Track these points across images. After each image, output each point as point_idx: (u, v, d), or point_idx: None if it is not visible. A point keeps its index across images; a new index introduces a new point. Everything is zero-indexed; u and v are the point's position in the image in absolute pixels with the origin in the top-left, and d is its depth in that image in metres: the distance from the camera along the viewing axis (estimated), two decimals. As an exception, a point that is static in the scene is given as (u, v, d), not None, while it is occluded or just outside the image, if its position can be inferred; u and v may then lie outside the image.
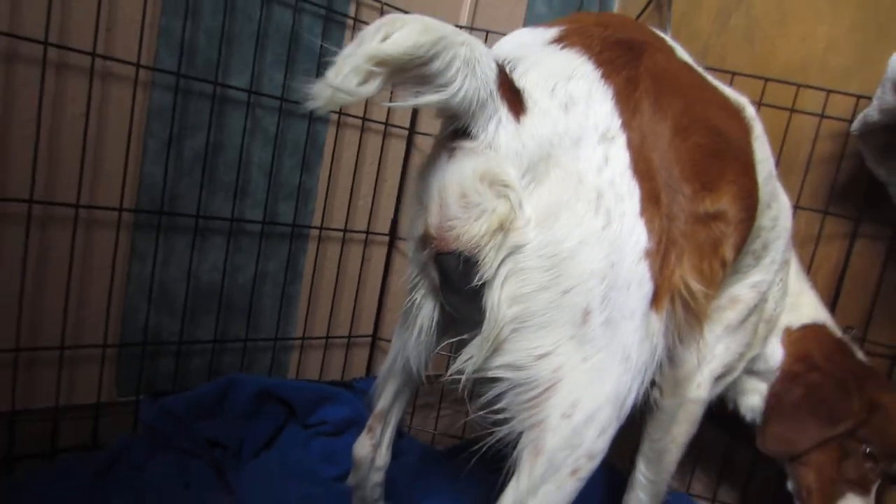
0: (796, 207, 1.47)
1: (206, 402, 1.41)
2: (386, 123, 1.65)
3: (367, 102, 1.60)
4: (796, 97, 1.57)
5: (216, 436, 1.40)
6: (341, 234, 1.65)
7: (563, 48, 0.87)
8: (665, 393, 1.16)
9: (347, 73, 0.68)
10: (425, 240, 0.86)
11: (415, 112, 1.68)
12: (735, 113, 1.05)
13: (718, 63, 1.73)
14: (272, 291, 1.57)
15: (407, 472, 1.47)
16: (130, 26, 1.24)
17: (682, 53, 1.03)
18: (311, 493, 1.34)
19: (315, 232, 1.60)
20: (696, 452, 1.49)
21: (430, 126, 1.71)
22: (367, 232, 1.69)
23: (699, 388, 1.16)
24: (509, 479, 0.82)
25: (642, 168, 0.83)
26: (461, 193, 0.80)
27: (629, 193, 0.81)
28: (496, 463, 0.84)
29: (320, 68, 1.50)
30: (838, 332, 1.36)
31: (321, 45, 1.49)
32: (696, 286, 0.86)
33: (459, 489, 1.40)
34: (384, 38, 0.68)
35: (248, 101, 1.42)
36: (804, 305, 1.35)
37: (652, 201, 0.82)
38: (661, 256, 0.83)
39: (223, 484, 1.30)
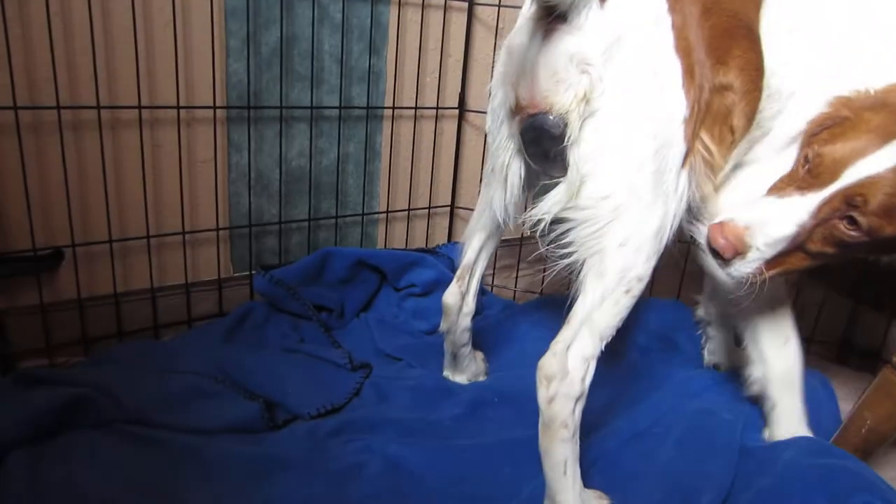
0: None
1: (309, 272, 1.61)
2: (446, -2, 1.69)
3: (426, -21, 1.64)
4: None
5: (321, 300, 1.61)
6: (413, 111, 1.75)
7: None
8: None
9: None
10: (516, 109, 1.03)
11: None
12: None
13: None
14: (355, 170, 1.71)
15: (491, 323, 1.64)
16: (199, -69, 1.32)
17: None
18: (406, 344, 1.54)
19: (388, 112, 1.71)
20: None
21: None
22: (437, 107, 1.78)
23: None
24: (576, 299, 0.99)
25: (683, 46, 0.96)
26: (553, 71, 0.96)
27: (674, 68, 0.96)
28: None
29: (377, -51, 1.54)
30: None
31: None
32: (712, 146, 1.01)
33: (538, 336, 1.57)
34: None
35: (313, -8, 1.50)
36: None
37: (689, 75, 0.96)
38: (693, 122, 0.97)
39: (332, 340, 1.52)
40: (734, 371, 1.37)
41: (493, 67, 1.75)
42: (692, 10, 0.98)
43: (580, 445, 1.01)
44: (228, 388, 1.27)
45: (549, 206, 1.01)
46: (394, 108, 1.71)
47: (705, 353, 1.52)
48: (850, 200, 0.90)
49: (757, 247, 0.93)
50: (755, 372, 1.22)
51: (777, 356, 1.19)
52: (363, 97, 1.65)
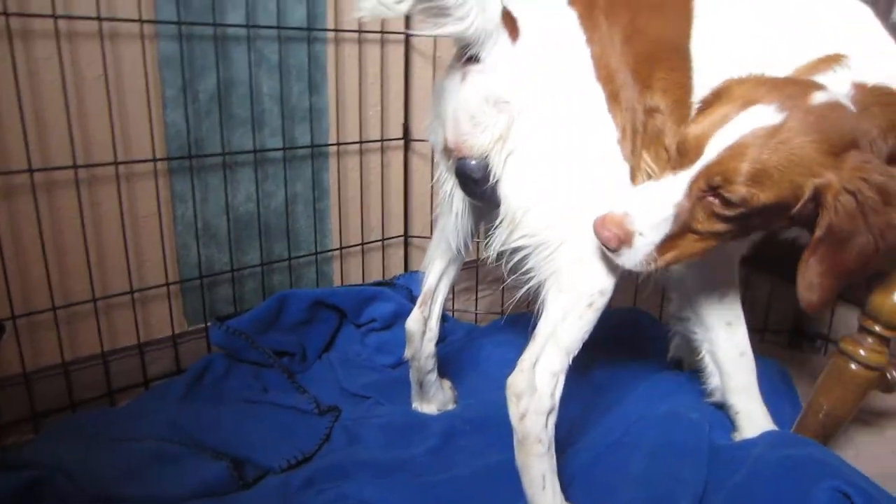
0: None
1: (266, 318, 1.57)
2: (382, 32, 1.70)
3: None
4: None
5: (281, 345, 1.57)
6: (358, 145, 1.74)
7: None
8: None
9: None
10: (445, 151, 1.08)
11: (408, 17, 1.71)
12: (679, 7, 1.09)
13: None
14: (304, 210, 1.69)
15: (455, 349, 1.64)
16: (125, -17, 1.29)
17: None
18: (372, 381, 1.52)
19: (333, 148, 1.70)
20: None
21: (424, 27, 1.74)
22: (382, 140, 1.78)
23: None
24: (539, 317, 1.02)
25: (604, 74, 1.01)
26: (471, 115, 1.00)
27: (597, 96, 1.00)
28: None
29: (308, -12, 1.54)
30: None
31: (305, -35, 1.52)
32: (654, 165, 1.06)
33: (502, 357, 1.57)
34: None
35: (247, 36, 1.48)
36: None
37: (614, 100, 1.01)
38: (629, 142, 1.01)
39: (296, 385, 1.49)
40: (697, 370, 1.41)
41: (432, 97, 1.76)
42: (613, 39, 1.02)
43: (557, 462, 1.03)
44: (192, 450, 1.23)
45: (497, 241, 1.05)
46: (338, 144, 1.70)
47: (671, 346, 1.55)
48: (711, 180, 0.89)
49: (640, 232, 0.92)
50: (713, 382, 1.27)
51: (733, 370, 1.22)
52: (306, 136, 1.64)
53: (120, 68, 1.33)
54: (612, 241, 0.92)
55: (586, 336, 1.02)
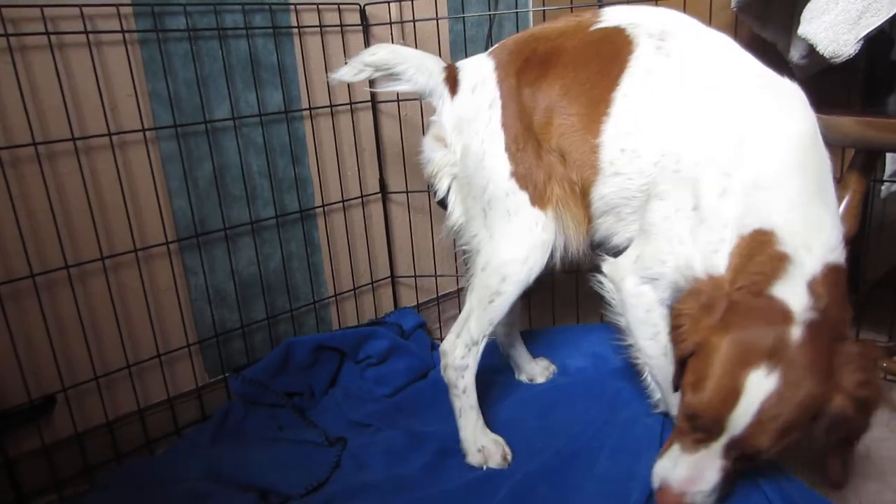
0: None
1: (276, 364, 1.80)
2: (350, 103, 1.94)
3: (330, 95, 1.88)
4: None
5: (291, 387, 1.80)
6: (341, 204, 1.97)
7: (487, 55, 1.43)
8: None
9: (350, 68, 1.44)
10: None
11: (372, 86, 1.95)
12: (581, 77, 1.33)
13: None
14: (300, 266, 1.93)
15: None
16: (128, 101, 1.54)
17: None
18: (372, 410, 1.74)
19: (319, 210, 1.94)
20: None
21: (389, 96, 1.99)
22: (362, 196, 2.02)
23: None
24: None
25: (507, 122, 1.34)
26: (426, 150, 1.46)
27: (499, 138, 1.35)
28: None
29: (282, 75, 1.78)
30: None
31: (277, 57, 1.77)
32: (566, 198, 1.37)
33: (487, 379, 1.79)
34: (370, 54, 1.41)
35: (234, 126, 1.72)
36: None
37: (512, 141, 1.34)
38: (526, 175, 1.33)
39: (307, 421, 1.71)
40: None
41: (402, 152, 2.02)
42: (520, 98, 1.34)
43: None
44: (223, 486, 1.45)
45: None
46: (323, 205, 1.93)
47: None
48: (744, 451, 1.03)
49: (700, 500, 1.10)
50: (656, 396, 1.45)
51: (668, 389, 1.35)
52: (295, 203, 1.88)
53: (130, 170, 1.57)
54: None
55: (494, 320, 1.41)
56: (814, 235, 1.05)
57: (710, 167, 1.14)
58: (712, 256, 1.13)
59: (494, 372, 1.82)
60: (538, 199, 1.34)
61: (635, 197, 1.28)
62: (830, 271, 1.04)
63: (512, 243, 1.35)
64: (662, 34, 1.25)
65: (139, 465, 1.60)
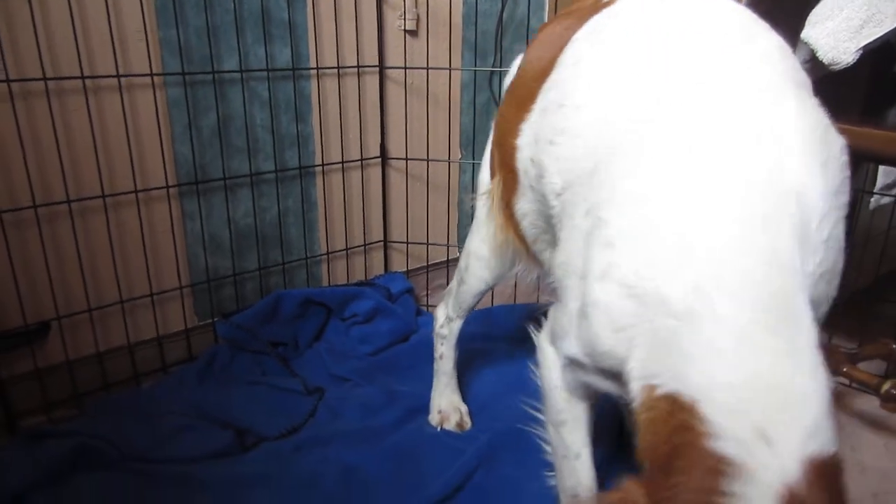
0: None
1: (264, 314, 1.86)
2: (358, 66, 1.97)
3: (339, 56, 1.91)
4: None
5: (276, 337, 1.87)
6: (340, 165, 2.02)
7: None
8: None
9: None
10: None
11: (381, 51, 1.98)
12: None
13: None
14: (295, 221, 1.98)
15: (423, 340, 1.92)
16: (139, 46, 1.58)
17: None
18: (353, 366, 1.81)
19: (319, 168, 1.98)
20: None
21: (397, 61, 2.02)
22: (362, 159, 2.06)
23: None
24: None
25: (496, 136, 1.33)
26: None
27: (488, 148, 1.40)
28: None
29: (292, 31, 1.81)
30: None
31: (289, 14, 1.80)
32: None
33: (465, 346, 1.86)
34: None
35: (241, 79, 1.76)
36: None
37: (495, 144, 1.34)
38: (497, 181, 1.30)
39: (289, 370, 1.78)
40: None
41: (406, 119, 2.05)
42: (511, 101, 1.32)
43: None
44: (205, 422, 1.52)
45: None
46: (323, 164, 1.98)
47: None
48: None
49: None
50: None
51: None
52: (295, 159, 1.92)
53: (136, 113, 1.62)
54: None
55: (467, 299, 1.48)
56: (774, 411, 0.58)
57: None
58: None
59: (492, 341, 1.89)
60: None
61: None
62: (815, 473, 0.56)
63: (479, 237, 1.41)
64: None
65: (126, 396, 1.67)
